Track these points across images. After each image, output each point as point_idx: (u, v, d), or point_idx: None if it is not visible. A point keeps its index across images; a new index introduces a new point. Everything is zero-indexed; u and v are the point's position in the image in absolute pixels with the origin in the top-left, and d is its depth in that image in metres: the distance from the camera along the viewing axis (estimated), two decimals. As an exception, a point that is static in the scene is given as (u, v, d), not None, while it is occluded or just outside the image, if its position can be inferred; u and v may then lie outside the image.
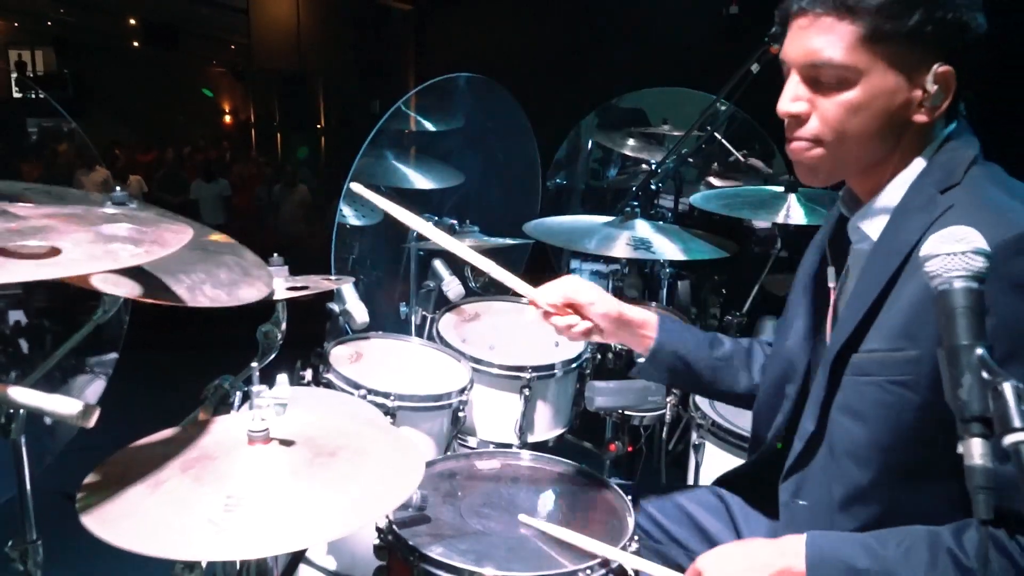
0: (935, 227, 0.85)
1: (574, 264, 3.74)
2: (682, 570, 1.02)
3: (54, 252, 0.78)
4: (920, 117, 0.89)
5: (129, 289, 0.96)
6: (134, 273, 0.98)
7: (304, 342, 1.70)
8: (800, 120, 0.92)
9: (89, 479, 0.90)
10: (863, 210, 0.98)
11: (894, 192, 0.95)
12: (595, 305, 1.16)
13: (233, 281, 1.08)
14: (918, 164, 0.93)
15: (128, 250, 0.81)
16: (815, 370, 1.04)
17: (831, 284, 1.06)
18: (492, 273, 1.17)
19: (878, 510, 0.93)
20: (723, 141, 2.37)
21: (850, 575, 0.87)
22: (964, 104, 0.93)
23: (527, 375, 1.83)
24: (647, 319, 1.23)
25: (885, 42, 0.86)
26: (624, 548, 1.11)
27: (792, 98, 0.92)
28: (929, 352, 0.84)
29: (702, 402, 1.72)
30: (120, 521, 0.82)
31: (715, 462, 1.66)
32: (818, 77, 0.90)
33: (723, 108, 2.19)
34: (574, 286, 1.16)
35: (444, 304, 2.09)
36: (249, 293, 1.07)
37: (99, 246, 0.81)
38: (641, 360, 1.23)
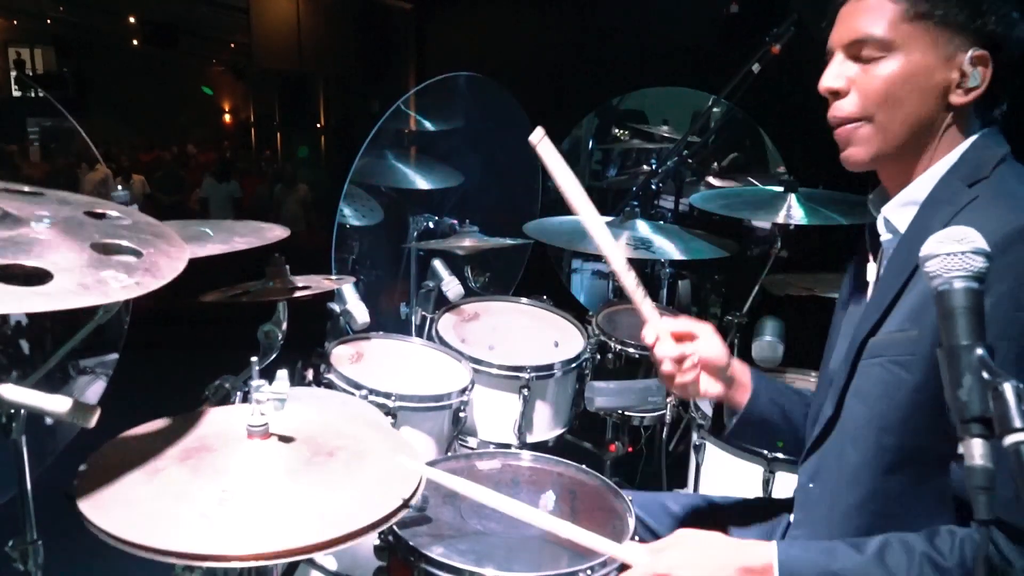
0: (958, 217, 0.87)
1: (575, 264, 3.74)
2: None
3: (45, 276, 0.78)
4: (957, 99, 0.90)
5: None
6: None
7: (305, 342, 1.70)
8: (839, 95, 0.95)
9: (87, 464, 0.90)
10: (893, 201, 0.99)
11: (924, 185, 0.96)
12: (707, 342, 1.07)
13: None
14: (949, 159, 0.94)
15: (120, 280, 0.81)
16: None
17: (870, 279, 1.07)
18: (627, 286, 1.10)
19: (872, 497, 0.93)
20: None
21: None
22: (999, 110, 0.93)
23: (526, 375, 1.83)
24: (745, 369, 1.14)
25: (925, 21, 0.89)
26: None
27: (834, 76, 0.95)
28: (929, 334, 0.86)
29: (703, 402, 1.72)
30: (115, 508, 0.82)
31: (716, 463, 1.66)
32: (859, 54, 0.93)
33: (717, 110, 2.19)
34: (693, 324, 1.09)
35: (444, 304, 2.09)
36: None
37: (91, 273, 0.80)
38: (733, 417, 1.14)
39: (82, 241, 0.86)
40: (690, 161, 2.38)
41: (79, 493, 0.84)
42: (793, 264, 2.28)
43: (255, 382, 0.96)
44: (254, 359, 1.01)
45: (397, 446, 1.05)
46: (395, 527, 1.13)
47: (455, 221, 2.28)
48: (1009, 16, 0.88)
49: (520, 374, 1.83)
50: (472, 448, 1.86)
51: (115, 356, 2.39)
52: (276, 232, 1.34)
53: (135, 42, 10.76)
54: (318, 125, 9.52)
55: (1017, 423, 0.63)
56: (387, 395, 1.60)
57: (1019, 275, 0.82)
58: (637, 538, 1.15)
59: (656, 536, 1.23)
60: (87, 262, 0.83)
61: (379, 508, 0.88)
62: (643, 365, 2.04)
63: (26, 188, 0.99)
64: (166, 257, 0.89)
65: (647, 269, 2.66)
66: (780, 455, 1.49)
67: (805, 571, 0.87)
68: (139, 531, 0.79)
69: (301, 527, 0.84)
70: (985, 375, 0.67)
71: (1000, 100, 0.93)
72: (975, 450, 0.66)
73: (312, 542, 0.82)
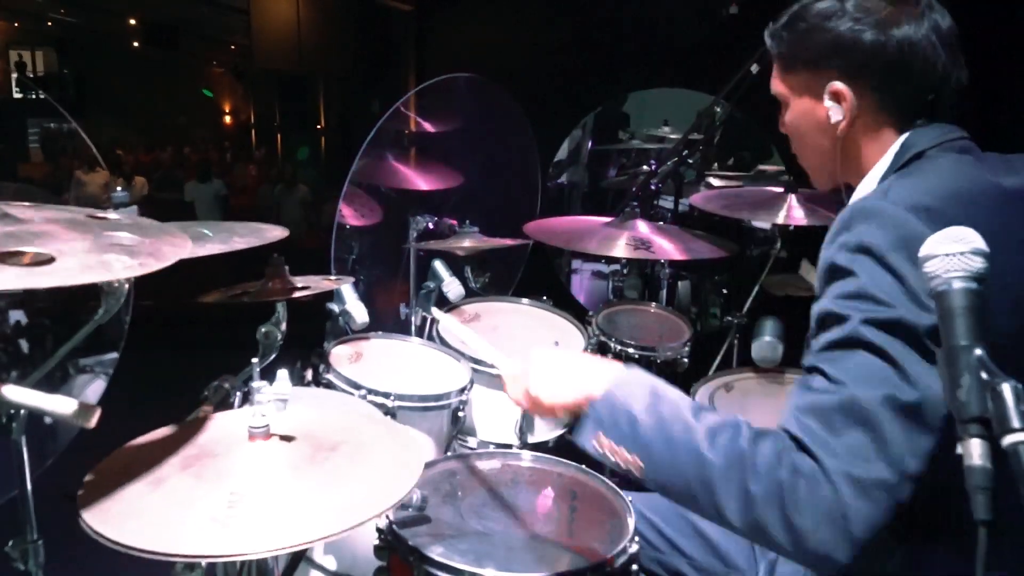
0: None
1: (575, 264, 3.74)
2: None
3: (48, 260, 0.78)
4: (839, 130, 0.97)
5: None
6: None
7: (304, 342, 1.70)
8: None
9: (90, 476, 0.91)
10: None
11: (864, 188, 1.00)
12: None
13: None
14: (884, 162, 0.97)
15: (123, 261, 0.81)
16: None
17: None
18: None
19: None
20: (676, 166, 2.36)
21: (630, 425, 0.86)
22: (924, 104, 0.94)
23: (527, 375, 1.83)
24: None
25: (792, 70, 1.00)
26: (624, 550, 1.11)
27: (780, 125, 1.08)
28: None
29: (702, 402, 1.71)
30: (121, 519, 0.82)
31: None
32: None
33: (719, 110, 2.19)
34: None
35: (444, 305, 2.09)
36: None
37: (94, 255, 0.81)
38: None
39: (84, 232, 0.86)
40: (690, 161, 2.38)
41: (83, 508, 0.84)
42: (793, 264, 2.28)
43: (256, 383, 0.96)
44: (255, 360, 1.01)
45: (398, 434, 1.05)
46: (395, 527, 1.13)
47: (455, 221, 2.28)
48: (859, 42, 0.92)
49: (520, 374, 1.83)
50: (472, 448, 1.86)
51: (115, 355, 2.39)
52: (275, 232, 1.34)
53: (136, 43, 10.76)
54: (318, 126, 9.53)
55: (1015, 423, 0.63)
56: (386, 395, 1.60)
57: (824, 260, 0.85)
58: (638, 537, 1.15)
59: (663, 536, 1.23)
60: (90, 248, 0.83)
61: (389, 491, 0.89)
62: (642, 365, 2.03)
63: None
64: (169, 244, 0.90)
65: (647, 269, 2.66)
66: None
67: (631, 398, 0.87)
68: (149, 540, 0.79)
69: (313, 519, 0.84)
70: (984, 375, 0.67)
71: (911, 98, 0.93)
72: (974, 450, 0.66)
73: (325, 533, 0.82)
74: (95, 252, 0.82)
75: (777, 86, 1.03)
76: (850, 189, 1.03)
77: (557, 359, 0.99)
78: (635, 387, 0.90)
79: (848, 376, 0.78)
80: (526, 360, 1.01)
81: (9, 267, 0.76)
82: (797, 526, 0.75)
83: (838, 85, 0.94)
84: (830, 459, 0.75)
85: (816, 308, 0.85)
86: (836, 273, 0.83)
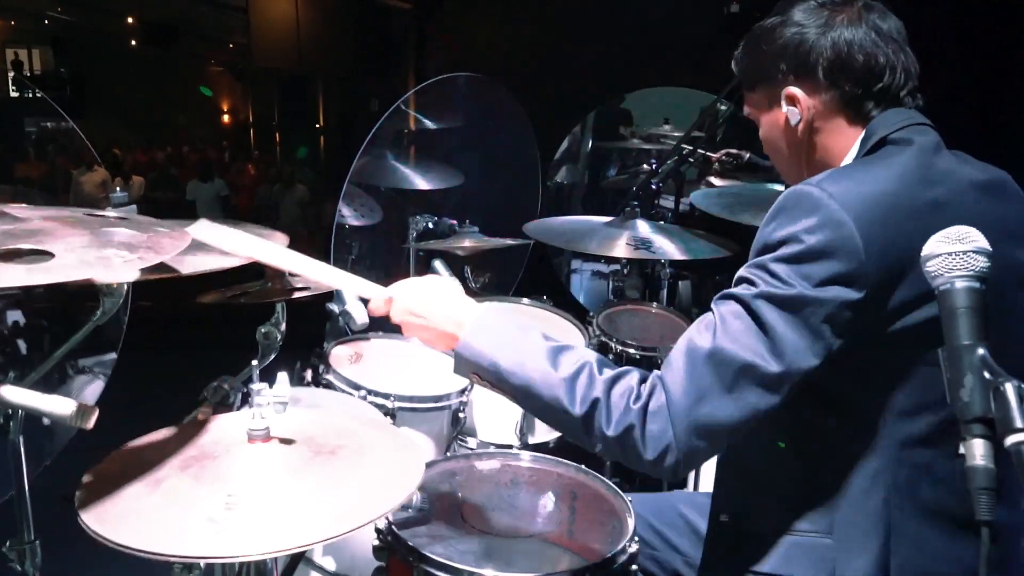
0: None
1: (575, 264, 3.74)
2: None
3: (46, 256, 0.77)
4: (801, 132, 1.02)
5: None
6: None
7: (304, 343, 1.69)
8: None
9: (88, 477, 0.90)
10: None
11: None
12: None
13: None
14: (852, 152, 1.00)
15: (122, 256, 0.80)
16: None
17: None
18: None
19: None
20: (688, 153, 2.36)
21: (495, 373, 0.95)
22: (879, 92, 0.97)
23: (527, 375, 1.82)
24: None
25: (754, 88, 1.07)
26: (624, 549, 1.11)
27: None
28: None
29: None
30: (119, 519, 0.82)
31: (714, 463, 1.65)
32: None
33: (723, 108, 2.18)
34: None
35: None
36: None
37: (92, 251, 0.80)
38: None
39: (83, 229, 0.86)
40: (691, 161, 2.37)
41: (81, 508, 0.83)
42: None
43: (256, 386, 0.95)
44: (254, 362, 1.00)
45: (397, 439, 1.05)
46: (394, 527, 1.12)
47: (455, 221, 2.27)
48: (805, 45, 0.98)
49: (520, 374, 1.82)
50: (471, 448, 1.85)
51: (113, 356, 2.38)
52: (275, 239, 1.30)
53: (133, 42, 10.74)
54: (317, 125, 9.51)
55: (1018, 423, 0.63)
56: (386, 395, 1.60)
57: (757, 239, 0.91)
58: (637, 538, 1.15)
59: (658, 534, 1.23)
60: (88, 243, 0.82)
61: (386, 496, 0.89)
62: (643, 366, 2.03)
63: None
64: (168, 239, 0.89)
65: (647, 269, 2.65)
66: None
67: (491, 347, 0.95)
68: (147, 541, 0.78)
69: (310, 522, 0.84)
70: (987, 375, 0.67)
71: (861, 90, 0.97)
72: (976, 450, 0.66)
73: (321, 536, 0.82)
74: (93, 248, 0.82)
75: (748, 109, 1.10)
76: None
77: (427, 288, 1.05)
78: (494, 333, 0.97)
79: (727, 333, 0.88)
80: (400, 291, 1.05)
81: (8, 264, 0.75)
82: (644, 457, 0.89)
83: (792, 89, 1.01)
84: (680, 398, 0.88)
85: (738, 272, 0.93)
86: (764, 251, 0.90)
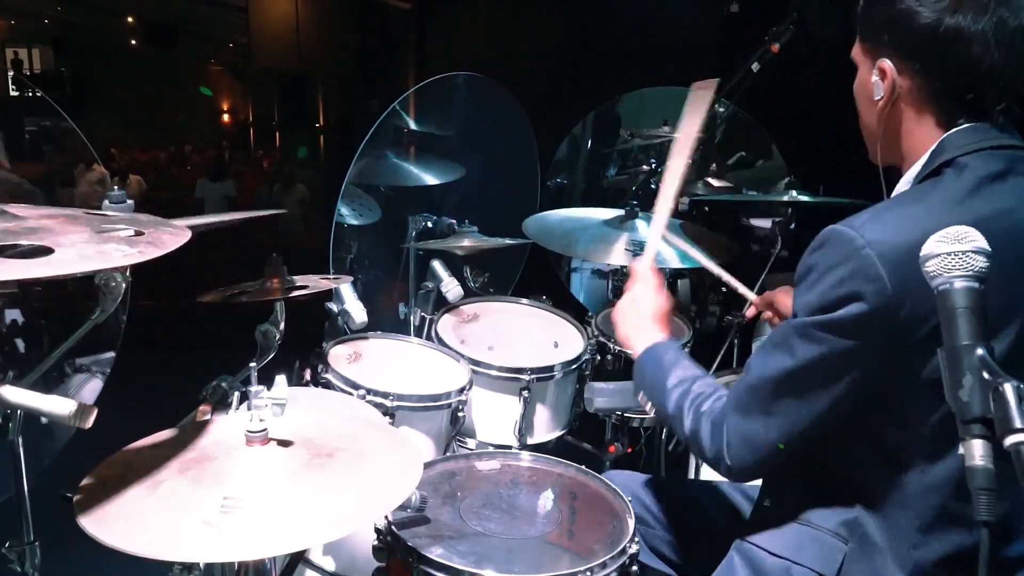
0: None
1: (575, 264, 3.73)
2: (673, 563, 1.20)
3: (46, 251, 0.77)
4: (880, 108, 0.98)
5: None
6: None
7: (303, 342, 1.69)
8: None
9: (87, 480, 0.90)
10: None
11: (901, 185, 1.00)
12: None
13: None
14: (923, 159, 0.95)
15: (121, 251, 0.80)
16: None
17: None
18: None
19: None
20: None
21: (661, 366, 1.11)
22: (970, 103, 0.92)
23: (526, 376, 1.82)
24: None
25: (861, 39, 1.00)
26: (624, 550, 1.11)
27: None
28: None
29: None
30: (118, 522, 0.82)
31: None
32: None
33: (722, 110, 2.18)
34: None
35: (443, 305, 2.08)
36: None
37: (92, 247, 0.80)
38: None
39: (83, 227, 0.86)
40: (691, 161, 2.37)
41: (80, 510, 0.83)
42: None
43: (254, 388, 0.95)
44: (253, 363, 1.00)
45: (396, 442, 1.05)
46: (394, 528, 1.12)
47: (454, 221, 2.27)
48: (915, 19, 0.91)
49: (521, 375, 1.82)
50: (471, 449, 1.85)
51: (111, 355, 2.38)
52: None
53: (133, 42, 10.74)
54: (317, 125, 9.50)
55: (1018, 423, 0.63)
56: (385, 395, 1.60)
57: (801, 268, 0.94)
58: (637, 519, 1.21)
59: (655, 516, 1.28)
60: (88, 239, 0.82)
61: (384, 499, 0.90)
62: (642, 365, 2.03)
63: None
64: (168, 234, 0.89)
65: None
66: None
67: (658, 356, 1.13)
68: (145, 544, 0.78)
69: (306, 524, 0.84)
70: (986, 375, 0.67)
71: (950, 92, 0.92)
72: (976, 451, 0.66)
73: (317, 538, 0.82)
74: (94, 243, 0.81)
75: (854, 51, 1.03)
76: (895, 172, 1.02)
77: (635, 307, 1.23)
78: (655, 359, 1.14)
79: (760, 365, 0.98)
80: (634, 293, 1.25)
81: (7, 261, 0.75)
82: (707, 457, 1.01)
83: (886, 63, 0.95)
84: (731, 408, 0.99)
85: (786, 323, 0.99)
86: (800, 279, 0.95)
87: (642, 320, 1.20)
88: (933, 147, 0.94)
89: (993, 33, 0.87)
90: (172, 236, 0.88)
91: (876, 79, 0.96)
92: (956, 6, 0.88)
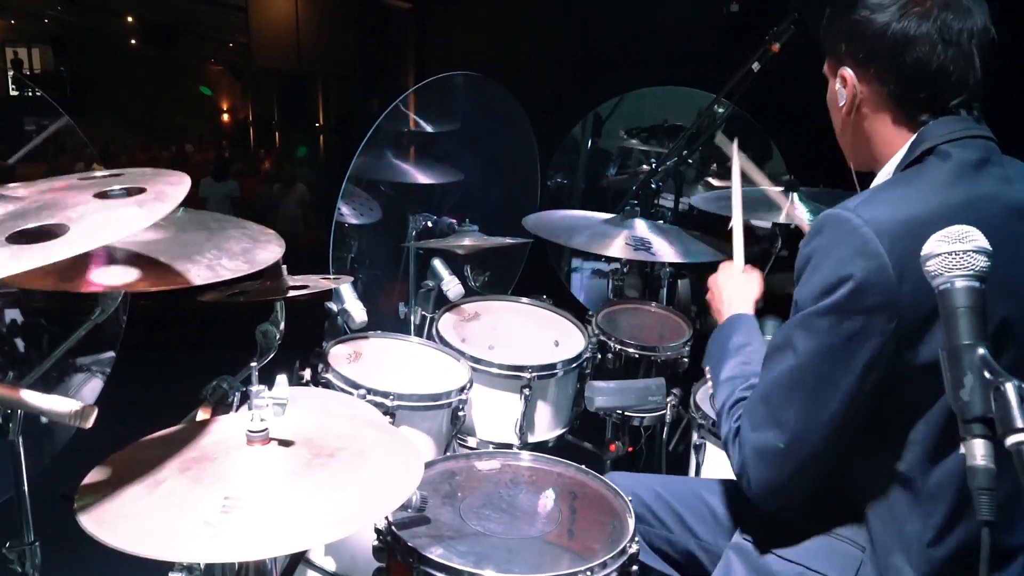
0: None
1: (575, 263, 3.73)
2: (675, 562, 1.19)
3: (62, 229, 0.76)
4: (845, 115, 1.03)
5: (150, 282, 0.95)
6: (151, 266, 0.97)
7: (303, 342, 1.69)
8: None
9: (87, 480, 0.90)
10: None
11: (879, 179, 1.03)
12: None
13: (246, 250, 1.09)
14: (900, 152, 0.99)
15: (132, 212, 0.78)
16: None
17: None
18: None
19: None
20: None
21: (727, 348, 1.15)
22: (934, 99, 0.95)
23: (527, 375, 1.82)
24: None
25: (827, 52, 1.05)
26: (624, 550, 1.11)
27: None
28: None
29: (703, 402, 1.71)
30: (118, 522, 0.82)
31: (716, 463, 1.65)
32: None
33: (721, 110, 2.18)
34: None
35: (443, 304, 2.08)
36: (265, 255, 1.10)
37: (103, 214, 0.78)
38: None
39: (85, 193, 0.84)
40: (690, 161, 2.38)
41: (80, 510, 0.83)
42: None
43: (255, 387, 0.95)
44: (253, 363, 1.00)
45: (397, 442, 1.05)
46: (394, 528, 1.12)
47: (454, 220, 2.27)
48: (869, 27, 0.96)
49: (522, 374, 1.82)
50: (471, 448, 1.85)
51: (111, 355, 2.38)
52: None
53: (133, 42, 10.73)
54: (317, 124, 9.50)
55: (1019, 423, 0.63)
56: (385, 394, 1.60)
57: (800, 261, 0.95)
58: (651, 516, 1.24)
59: (679, 519, 1.28)
60: (96, 208, 0.81)
61: (384, 500, 0.89)
62: (643, 365, 2.03)
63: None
64: (168, 185, 0.87)
65: (647, 268, 2.65)
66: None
67: (736, 334, 1.17)
68: (145, 544, 0.78)
69: (306, 525, 0.83)
70: (987, 375, 0.67)
71: (906, 93, 0.96)
72: (977, 450, 0.66)
73: (317, 539, 0.82)
74: (104, 212, 0.79)
75: (824, 67, 1.09)
76: (869, 176, 1.05)
77: (730, 285, 1.31)
78: (723, 337, 1.19)
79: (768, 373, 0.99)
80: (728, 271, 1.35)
81: (26, 246, 0.73)
82: (734, 468, 1.02)
83: (846, 71, 1.00)
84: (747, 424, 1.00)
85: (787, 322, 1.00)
86: (799, 271, 0.97)
87: (736, 293, 1.27)
88: (913, 137, 0.97)
89: (939, 35, 0.92)
90: (172, 186, 0.87)
91: (839, 87, 1.02)
92: (902, 12, 0.94)
